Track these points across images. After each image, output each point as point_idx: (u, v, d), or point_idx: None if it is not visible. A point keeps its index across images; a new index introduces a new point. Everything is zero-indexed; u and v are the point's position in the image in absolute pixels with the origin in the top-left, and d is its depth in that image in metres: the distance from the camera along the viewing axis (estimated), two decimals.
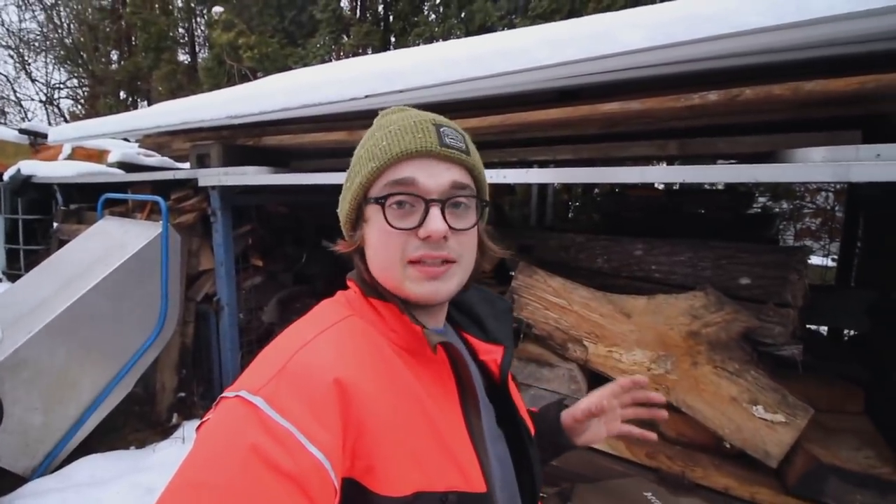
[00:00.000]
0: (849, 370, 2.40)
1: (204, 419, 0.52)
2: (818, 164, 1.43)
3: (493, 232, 0.73)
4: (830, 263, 4.88)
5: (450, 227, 0.60)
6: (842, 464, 1.73)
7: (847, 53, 1.32)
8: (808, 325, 2.87)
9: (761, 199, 4.57)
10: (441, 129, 0.63)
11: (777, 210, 4.66)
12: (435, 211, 0.60)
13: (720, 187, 3.60)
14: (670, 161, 3.50)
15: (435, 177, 0.61)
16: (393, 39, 6.84)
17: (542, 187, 4.66)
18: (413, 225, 0.60)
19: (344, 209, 0.68)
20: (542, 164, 3.10)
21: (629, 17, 1.52)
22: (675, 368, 2.00)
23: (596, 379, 2.24)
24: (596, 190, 5.33)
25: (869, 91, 1.33)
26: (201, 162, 3.02)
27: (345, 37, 6.61)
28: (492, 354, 0.73)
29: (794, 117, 1.69)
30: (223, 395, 0.53)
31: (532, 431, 0.75)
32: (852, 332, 3.39)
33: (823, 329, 3.65)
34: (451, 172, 0.62)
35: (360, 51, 6.52)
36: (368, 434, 0.52)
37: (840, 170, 1.38)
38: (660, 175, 1.71)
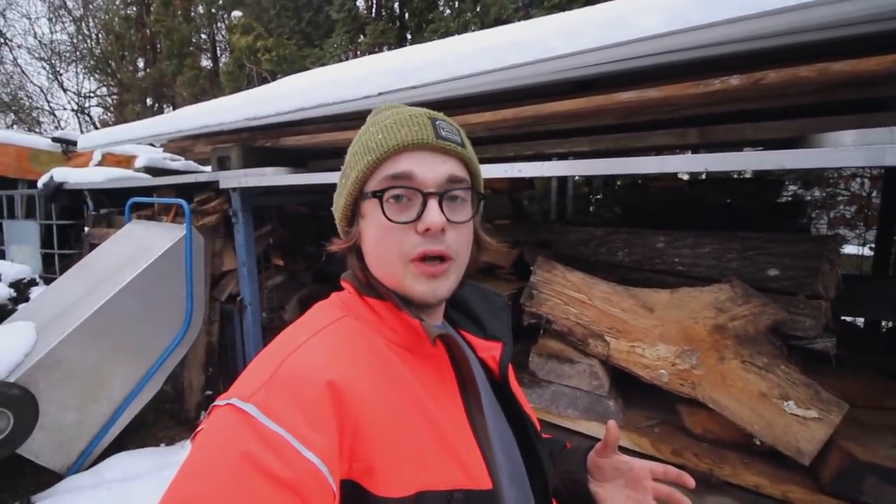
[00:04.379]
0: (888, 364, 2.29)
1: (198, 428, 0.52)
2: (850, 148, 1.36)
3: (487, 226, 0.73)
4: (867, 252, 4.66)
5: (447, 219, 0.60)
6: (880, 462, 1.65)
7: (878, 31, 1.24)
8: (843, 317, 2.74)
9: (791, 188, 4.39)
10: (436, 122, 0.63)
11: (809, 198, 4.46)
12: (433, 204, 0.59)
13: (747, 175, 3.46)
14: (692, 150, 3.39)
15: (432, 169, 0.61)
16: (409, 36, 6.84)
17: (562, 181, 4.59)
18: (411, 219, 0.60)
19: (339, 205, 0.68)
20: (560, 157, 3.05)
21: (645, 2, 1.47)
22: (701, 363, 1.94)
23: (618, 375, 2.20)
24: (618, 182, 5.22)
25: None
26: (222, 164, 3.09)
27: (361, 36, 6.64)
28: (490, 351, 0.72)
29: (823, 100, 1.61)
30: (215, 403, 0.52)
31: (537, 427, 0.74)
32: (891, 324, 3.24)
33: (860, 321, 3.49)
34: (448, 165, 0.62)
35: (377, 49, 6.54)
36: (366, 435, 0.51)
37: (874, 153, 1.31)
38: (680, 164, 1.65)
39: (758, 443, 1.86)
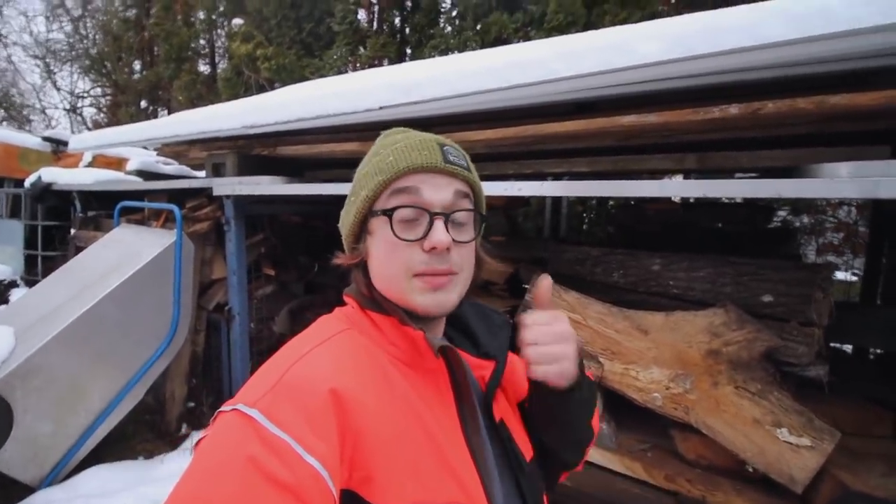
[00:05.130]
0: (876, 391, 2.30)
1: (202, 435, 0.53)
2: (845, 180, 1.38)
3: (487, 245, 0.75)
4: (852, 278, 4.74)
5: (452, 239, 0.62)
6: (870, 491, 1.65)
7: (874, 67, 1.27)
8: (832, 344, 2.77)
9: (781, 213, 4.47)
10: (444, 148, 0.66)
11: (798, 224, 4.55)
12: (439, 223, 0.62)
13: (739, 201, 3.52)
14: (688, 174, 3.44)
15: (439, 191, 0.63)
16: (409, 51, 6.90)
17: (557, 199, 4.62)
18: (418, 237, 0.62)
19: (348, 222, 0.70)
20: (558, 177, 3.07)
21: (647, 28, 1.50)
22: (695, 388, 1.94)
23: (610, 397, 2.18)
24: (611, 202, 5.27)
25: None
26: (216, 171, 3.05)
27: (361, 48, 6.69)
28: (482, 370, 0.72)
29: (818, 131, 1.64)
30: (220, 409, 0.53)
31: (529, 456, 0.72)
32: (879, 351, 3.27)
33: (848, 347, 3.53)
34: (454, 187, 0.65)
35: (376, 62, 6.58)
36: (366, 444, 0.52)
37: (868, 186, 1.33)
38: (679, 189, 1.66)
39: (750, 470, 1.85)
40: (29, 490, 2.44)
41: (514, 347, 0.79)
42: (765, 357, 1.86)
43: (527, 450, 0.73)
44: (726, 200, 3.83)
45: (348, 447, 0.51)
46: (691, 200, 4.05)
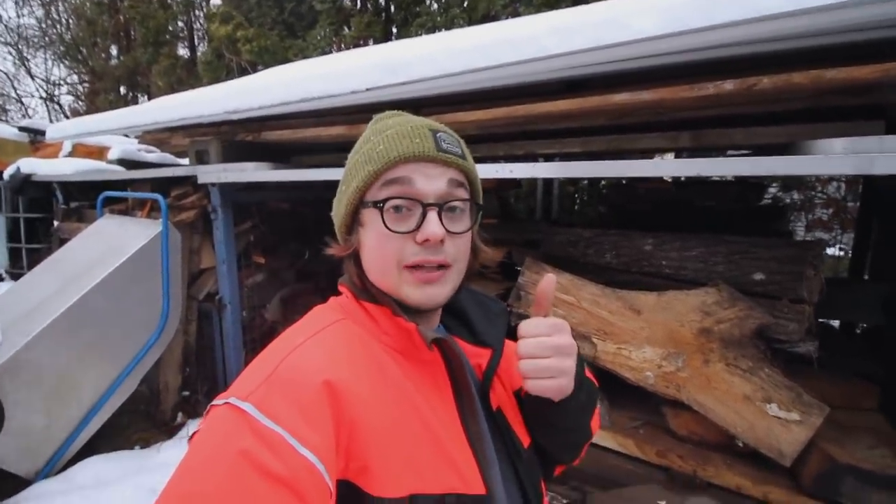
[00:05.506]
0: (863, 366, 2.35)
1: (196, 429, 0.52)
2: (839, 156, 1.37)
3: (483, 233, 0.73)
4: (840, 254, 4.80)
5: (446, 230, 0.60)
6: (857, 463, 1.69)
7: (870, 39, 1.25)
8: (820, 319, 2.81)
9: (771, 190, 4.49)
10: (437, 135, 0.63)
11: (788, 201, 4.57)
12: (432, 215, 0.60)
13: (730, 178, 3.52)
14: (680, 153, 3.41)
15: (432, 181, 0.61)
16: (395, 30, 6.73)
17: (548, 180, 4.59)
18: (410, 229, 0.60)
19: (339, 213, 0.68)
20: (549, 157, 3.03)
21: (641, 3, 1.45)
22: (687, 366, 1.96)
23: (603, 376, 2.20)
24: (603, 182, 5.25)
25: (894, 79, 1.26)
26: (200, 158, 2.98)
27: (345, 28, 6.51)
28: (478, 358, 0.72)
29: (813, 106, 1.62)
30: (213, 402, 0.53)
31: (526, 442, 0.71)
32: (865, 326, 3.33)
33: (835, 323, 3.59)
34: (448, 177, 0.63)
35: (362, 42, 6.41)
36: (361, 434, 0.52)
37: (863, 162, 1.32)
38: (674, 168, 1.64)
39: (740, 444, 1.89)
40: (25, 483, 2.44)
41: (511, 335, 0.79)
42: (756, 334, 1.88)
43: (524, 436, 0.72)
44: (718, 178, 3.83)
45: (343, 438, 0.51)
46: (682, 179, 4.04)
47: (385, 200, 0.60)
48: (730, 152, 3.08)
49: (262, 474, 0.44)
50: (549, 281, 0.67)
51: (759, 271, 1.99)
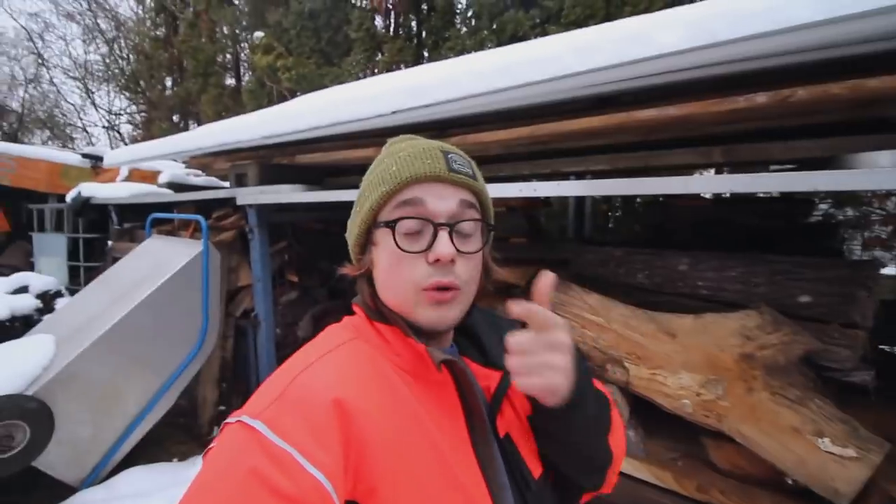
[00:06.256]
0: None
1: (210, 446, 0.53)
2: (886, 170, 1.28)
3: (496, 253, 0.73)
4: None
5: (457, 250, 0.61)
6: None
7: None
8: (880, 346, 2.58)
9: (822, 207, 4.21)
10: (449, 156, 0.64)
11: (841, 217, 4.27)
12: (443, 234, 0.61)
13: (775, 195, 3.33)
14: (720, 169, 3.27)
15: (443, 200, 0.62)
16: (426, 54, 6.92)
17: (580, 198, 4.51)
18: (422, 248, 0.61)
19: (353, 233, 0.69)
20: (579, 175, 2.98)
21: (665, 16, 1.42)
22: (728, 394, 1.83)
23: (638, 403, 2.10)
24: (638, 200, 5.11)
25: None
26: (240, 181, 3.12)
27: (379, 54, 6.75)
28: (487, 380, 0.70)
29: (851, 119, 1.53)
30: (226, 420, 0.54)
31: (537, 472, 0.67)
32: None
33: None
34: (459, 197, 0.63)
35: (395, 67, 6.62)
36: (371, 455, 0.52)
37: None
38: (706, 185, 1.58)
39: (790, 482, 1.74)
40: (72, 490, 2.56)
41: None
42: (804, 361, 1.74)
43: (535, 466, 0.68)
44: (762, 194, 3.64)
45: (352, 458, 0.51)
46: (724, 195, 3.86)
47: (397, 220, 0.61)
48: (772, 167, 2.93)
49: (271, 493, 0.45)
50: (546, 278, 0.61)
51: (805, 293, 1.85)
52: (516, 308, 0.56)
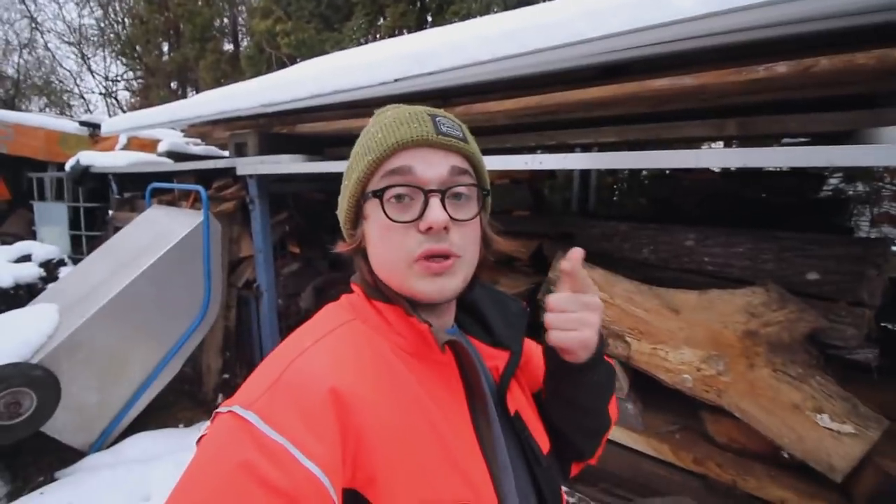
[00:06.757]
0: None
1: (203, 433, 0.52)
2: None
3: (496, 223, 0.70)
4: None
5: (451, 217, 0.58)
6: None
7: None
8: (882, 324, 2.57)
9: (832, 181, 4.12)
10: (436, 119, 0.61)
11: (850, 193, 4.19)
12: (434, 201, 0.57)
13: (785, 169, 3.25)
14: (729, 142, 3.19)
15: (433, 166, 0.59)
16: (429, 19, 6.68)
17: (585, 171, 4.43)
18: (413, 217, 0.58)
19: (343, 208, 0.66)
20: (586, 147, 2.91)
21: None
22: (729, 370, 1.84)
23: (639, 376, 2.11)
24: (644, 173, 5.02)
25: None
26: (239, 150, 3.06)
27: (381, 18, 6.52)
28: (495, 360, 0.68)
29: (877, 90, 1.46)
30: (218, 409, 0.52)
31: (543, 448, 0.68)
32: None
33: None
34: (449, 161, 0.60)
35: (397, 32, 6.41)
36: (369, 443, 0.50)
37: None
38: (717, 158, 1.53)
39: (786, 455, 1.76)
40: (80, 454, 2.63)
41: (531, 334, 0.75)
42: (808, 339, 1.74)
43: (543, 442, 0.69)
44: (771, 169, 3.55)
45: (350, 447, 0.49)
46: (732, 169, 3.78)
47: (385, 189, 0.58)
48: (785, 140, 2.85)
49: (262, 486, 0.44)
50: (577, 252, 0.63)
51: (814, 270, 1.83)
52: (565, 264, 0.63)
